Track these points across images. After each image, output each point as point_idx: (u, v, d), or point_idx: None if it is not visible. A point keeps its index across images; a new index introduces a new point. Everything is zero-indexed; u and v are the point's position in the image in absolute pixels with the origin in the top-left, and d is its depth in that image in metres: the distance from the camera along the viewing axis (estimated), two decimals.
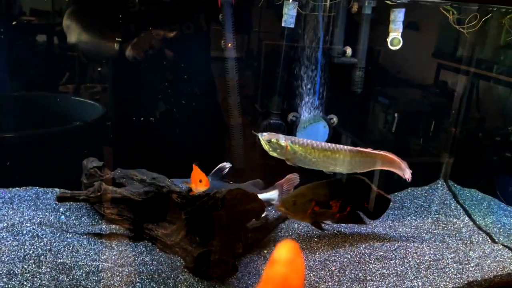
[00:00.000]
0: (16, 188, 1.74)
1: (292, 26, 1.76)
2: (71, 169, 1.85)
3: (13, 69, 2.02)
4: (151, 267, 1.42)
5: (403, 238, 1.75)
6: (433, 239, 1.75)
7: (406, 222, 1.88)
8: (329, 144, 1.52)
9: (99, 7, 1.95)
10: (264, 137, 1.47)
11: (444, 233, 1.80)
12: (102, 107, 2.39)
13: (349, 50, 1.88)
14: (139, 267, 1.41)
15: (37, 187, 1.76)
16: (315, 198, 1.55)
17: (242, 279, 1.45)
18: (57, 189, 1.77)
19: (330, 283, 1.47)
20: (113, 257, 1.44)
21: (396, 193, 2.09)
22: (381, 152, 1.57)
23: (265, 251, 1.62)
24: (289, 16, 1.74)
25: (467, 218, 1.90)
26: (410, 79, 2.47)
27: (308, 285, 1.47)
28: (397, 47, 1.79)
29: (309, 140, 1.50)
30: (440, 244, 1.72)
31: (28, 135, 1.95)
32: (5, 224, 1.48)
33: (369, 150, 1.56)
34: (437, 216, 1.91)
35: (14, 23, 2.03)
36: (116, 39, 1.88)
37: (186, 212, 1.49)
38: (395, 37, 1.78)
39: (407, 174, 1.57)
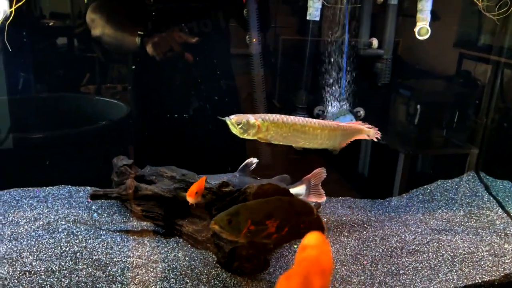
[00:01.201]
0: (50, 187, 1.77)
1: (317, 19, 1.75)
2: (101, 167, 1.89)
3: (37, 71, 2.07)
4: (184, 263, 1.43)
5: (435, 231, 1.72)
6: (466, 232, 1.72)
7: (437, 215, 1.85)
8: (301, 118, 1.44)
9: (122, 2, 1.98)
10: (232, 120, 1.37)
11: (477, 226, 1.77)
12: (126, 106, 2.43)
13: (375, 42, 1.86)
14: (172, 263, 1.43)
15: (70, 186, 1.80)
16: (251, 217, 1.35)
17: (274, 274, 1.45)
18: (88, 188, 1.80)
19: (362, 277, 1.46)
20: (146, 253, 1.46)
21: (426, 186, 2.06)
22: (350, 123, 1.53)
23: (295, 246, 1.61)
24: (314, 9, 1.73)
25: (500, 210, 1.86)
26: (432, 69, 2.44)
27: (340, 279, 1.46)
28: (425, 37, 1.75)
29: (278, 115, 1.42)
30: (474, 237, 1.68)
31: (56, 135, 1.99)
32: (41, 222, 1.52)
33: (337, 122, 1.51)
34: (469, 208, 1.88)
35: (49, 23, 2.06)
36: (138, 32, 1.90)
37: (216, 208, 1.50)
38: (423, 26, 1.75)
39: (373, 135, 1.54)
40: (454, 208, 1.89)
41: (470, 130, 2.34)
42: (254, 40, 1.77)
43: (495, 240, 1.67)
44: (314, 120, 1.44)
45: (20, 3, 1.42)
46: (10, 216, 1.58)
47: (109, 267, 1.36)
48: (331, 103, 1.89)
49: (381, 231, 1.69)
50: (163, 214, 1.62)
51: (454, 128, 2.43)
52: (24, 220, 1.54)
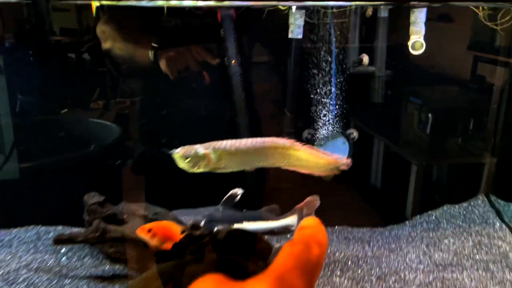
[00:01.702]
0: (18, 228, 1.66)
1: (300, 36, 1.60)
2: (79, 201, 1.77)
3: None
4: None
5: (440, 267, 1.53)
6: (475, 267, 1.53)
7: (442, 247, 1.66)
8: (254, 139, 1.27)
9: (136, 15, 1.84)
10: (179, 153, 1.20)
11: (487, 259, 1.58)
12: (118, 128, 2.30)
13: (366, 58, 1.70)
14: None
15: (39, 226, 1.68)
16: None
17: None
18: (60, 227, 1.68)
19: None
20: None
21: (430, 212, 1.88)
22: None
23: None
24: (296, 26, 1.58)
25: None
26: (444, 75, 2.34)
27: None
28: (420, 51, 1.59)
29: (231, 140, 1.25)
30: (484, 273, 1.49)
31: (31, 166, 1.88)
32: (1, 272, 1.40)
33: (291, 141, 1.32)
34: (478, 238, 1.69)
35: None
36: (152, 45, 1.75)
37: (190, 252, 1.35)
38: (416, 40, 1.59)
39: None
40: (462, 238, 1.70)
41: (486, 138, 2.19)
42: (233, 62, 1.63)
43: (507, 276, 1.48)
44: (268, 139, 1.28)
45: None
46: None
47: None
48: (321, 126, 1.73)
49: (378, 269, 1.52)
50: (138, 257, 1.49)
51: (469, 136, 2.30)
52: None
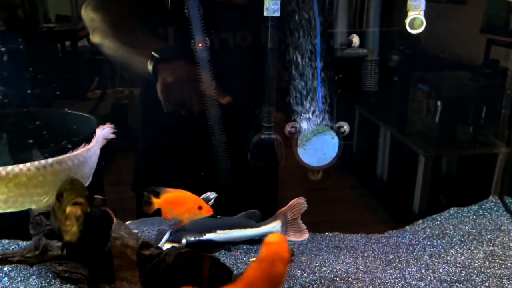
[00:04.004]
0: None
1: (277, 14, 1.35)
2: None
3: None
4: None
5: (445, 284, 1.30)
6: (486, 284, 1.29)
7: (448, 258, 1.42)
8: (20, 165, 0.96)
9: (136, 5, 1.48)
10: None
11: (501, 274, 1.33)
12: (97, 120, 2.13)
13: (355, 39, 1.44)
14: None
15: None
16: None
17: None
18: (5, 241, 1.47)
19: None
20: None
21: (435, 216, 1.64)
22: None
23: None
24: (272, 1, 1.34)
25: None
26: (454, 60, 2.16)
27: None
28: (419, 30, 1.34)
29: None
30: None
31: None
32: None
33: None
34: (491, 248, 1.44)
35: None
36: (152, 54, 1.43)
37: (141, 274, 1.14)
38: (415, 16, 1.33)
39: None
40: (472, 248, 1.46)
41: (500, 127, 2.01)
42: (200, 45, 1.40)
43: None
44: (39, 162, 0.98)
45: None
46: None
47: None
48: (305, 118, 1.49)
49: (377, 286, 1.29)
50: (88, 276, 1.28)
51: (481, 125, 2.14)
52: None
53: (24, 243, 1.47)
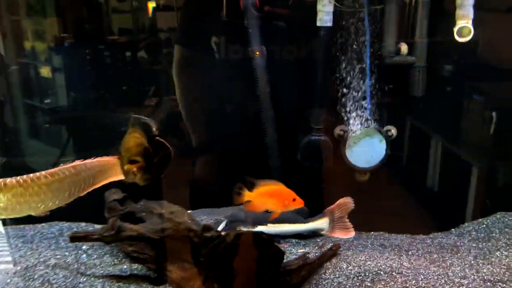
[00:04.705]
0: (42, 224, 1.67)
1: (329, 24, 1.47)
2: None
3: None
4: None
5: (488, 283, 1.34)
6: None
7: (493, 260, 1.46)
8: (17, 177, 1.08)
9: None
10: None
11: None
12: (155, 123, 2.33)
13: (404, 47, 1.53)
14: None
15: (64, 223, 1.68)
16: None
17: None
18: (83, 224, 1.67)
19: None
20: None
21: (481, 220, 1.67)
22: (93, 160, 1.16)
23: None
24: (324, 13, 1.45)
25: None
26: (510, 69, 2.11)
27: None
28: (467, 38, 1.40)
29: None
30: None
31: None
32: (19, 268, 1.40)
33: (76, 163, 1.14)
34: None
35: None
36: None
37: (203, 254, 1.28)
38: (464, 25, 1.40)
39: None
40: None
41: None
42: (257, 53, 1.54)
43: None
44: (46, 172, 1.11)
45: None
46: None
47: None
48: (354, 122, 1.59)
49: (414, 282, 1.36)
50: (154, 257, 1.44)
51: None
52: (4, 264, 1.44)
53: (98, 226, 1.67)
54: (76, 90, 2.30)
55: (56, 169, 1.13)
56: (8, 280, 1.34)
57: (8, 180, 1.07)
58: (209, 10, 1.66)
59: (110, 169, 1.18)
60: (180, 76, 1.86)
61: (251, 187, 1.25)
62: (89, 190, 1.17)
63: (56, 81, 2.35)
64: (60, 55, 2.33)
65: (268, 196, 1.25)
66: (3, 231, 1.59)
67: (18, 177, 1.09)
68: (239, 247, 1.13)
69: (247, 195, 1.26)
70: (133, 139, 1.13)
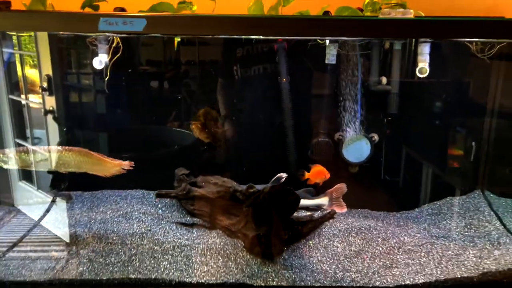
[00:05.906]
0: (129, 190, 2.38)
1: (334, 62, 2.20)
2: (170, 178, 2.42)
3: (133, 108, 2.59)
4: (219, 246, 1.91)
5: (434, 237, 2.01)
6: (462, 239, 1.99)
7: (440, 225, 2.13)
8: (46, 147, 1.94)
9: None
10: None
11: (474, 235, 2.03)
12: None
13: (384, 79, 2.26)
14: (210, 245, 1.91)
15: (143, 190, 2.39)
16: None
17: (288, 260, 1.86)
18: (142, 190, 2.38)
19: (360, 267, 1.82)
20: (192, 238, 1.96)
21: (436, 202, 2.35)
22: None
23: (310, 242, 2.01)
24: (330, 55, 2.19)
25: (499, 223, 2.09)
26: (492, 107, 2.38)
27: (342, 269, 1.83)
28: (425, 75, 2.10)
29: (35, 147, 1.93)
30: (468, 243, 1.96)
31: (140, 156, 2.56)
32: (121, 212, 2.10)
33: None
34: (470, 221, 2.14)
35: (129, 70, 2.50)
36: None
37: (245, 205, 1.96)
38: (422, 66, 2.12)
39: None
40: (457, 220, 2.16)
41: None
42: (284, 80, 2.27)
43: (487, 246, 1.93)
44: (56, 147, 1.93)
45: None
46: (101, 207, 2.19)
47: (164, 244, 1.88)
48: (348, 130, 2.30)
49: (384, 234, 2.03)
50: (209, 211, 2.13)
51: None
52: (110, 211, 2.14)
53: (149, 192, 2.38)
54: (114, 109, 2.60)
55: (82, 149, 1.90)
56: (115, 219, 2.04)
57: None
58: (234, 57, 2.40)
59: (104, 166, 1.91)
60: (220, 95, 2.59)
61: (308, 170, 2.20)
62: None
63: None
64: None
65: (317, 174, 2.19)
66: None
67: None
68: (272, 195, 1.81)
69: (306, 174, 2.20)
70: (204, 110, 1.98)
